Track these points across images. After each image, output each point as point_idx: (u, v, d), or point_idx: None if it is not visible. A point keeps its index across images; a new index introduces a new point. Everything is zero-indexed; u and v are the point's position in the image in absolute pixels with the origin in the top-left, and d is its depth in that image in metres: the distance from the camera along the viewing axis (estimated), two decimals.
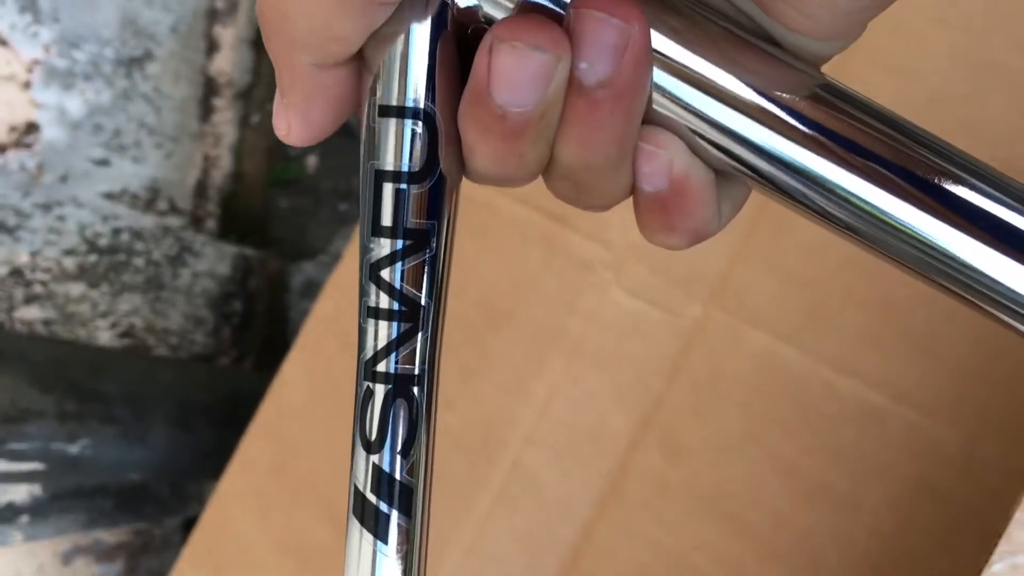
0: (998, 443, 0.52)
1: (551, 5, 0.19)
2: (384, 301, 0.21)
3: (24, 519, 0.77)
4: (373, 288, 0.21)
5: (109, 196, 0.92)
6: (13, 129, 0.82)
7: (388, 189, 0.20)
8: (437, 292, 0.21)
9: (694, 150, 0.20)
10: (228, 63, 1.05)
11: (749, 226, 0.58)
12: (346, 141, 1.08)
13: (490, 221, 0.63)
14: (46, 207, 0.79)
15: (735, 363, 0.57)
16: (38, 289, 0.79)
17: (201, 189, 1.04)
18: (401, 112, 0.20)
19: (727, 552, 0.56)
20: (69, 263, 0.81)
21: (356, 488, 0.21)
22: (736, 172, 0.20)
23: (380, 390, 0.21)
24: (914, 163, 0.18)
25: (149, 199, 0.97)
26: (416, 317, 0.21)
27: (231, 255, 1.00)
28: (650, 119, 0.20)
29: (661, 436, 0.58)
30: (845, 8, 0.18)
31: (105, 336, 0.85)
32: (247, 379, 1.00)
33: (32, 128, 0.83)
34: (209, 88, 1.04)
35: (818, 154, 0.19)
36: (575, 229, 0.61)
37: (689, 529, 0.56)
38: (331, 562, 0.64)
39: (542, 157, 0.20)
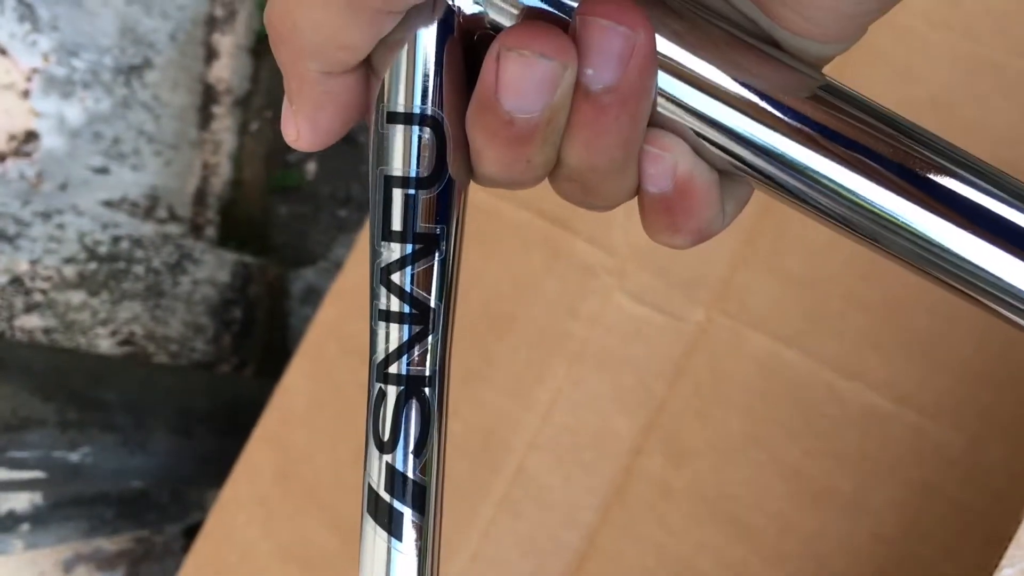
0: (1002, 446, 0.52)
1: (556, 11, 0.19)
2: (395, 304, 0.21)
3: (25, 527, 0.77)
4: (384, 291, 0.21)
5: (109, 204, 0.92)
6: (12, 138, 0.82)
7: (397, 194, 0.20)
8: (447, 294, 0.21)
9: (698, 152, 0.20)
10: (227, 71, 1.05)
11: (750, 230, 0.58)
12: (345, 147, 1.08)
13: (492, 226, 0.63)
14: (46, 215, 0.79)
15: (737, 366, 0.57)
16: (38, 297, 0.78)
17: (200, 196, 1.04)
18: (409, 118, 0.20)
19: (731, 555, 0.56)
20: (69, 271, 0.81)
21: (370, 487, 0.22)
22: (740, 172, 0.20)
23: (392, 391, 0.21)
24: (914, 161, 0.18)
25: (149, 207, 0.97)
26: (427, 319, 0.21)
27: (231, 262, 1.00)
28: (654, 122, 0.20)
29: (664, 440, 0.58)
30: (848, 12, 0.19)
31: (105, 344, 0.85)
32: (248, 386, 1.00)
33: (31, 136, 0.83)
34: (208, 96, 1.04)
35: (821, 154, 0.19)
36: (577, 234, 0.61)
37: (693, 533, 0.56)
38: (334, 569, 0.64)
39: (549, 161, 0.20)
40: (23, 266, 0.77)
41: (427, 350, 0.21)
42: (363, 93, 0.21)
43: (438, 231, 0.21)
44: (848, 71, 0.53)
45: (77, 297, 0.82)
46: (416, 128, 0.20)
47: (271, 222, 1.11)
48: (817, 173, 0.19)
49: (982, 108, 0.54)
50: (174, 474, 0.85)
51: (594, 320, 0.60)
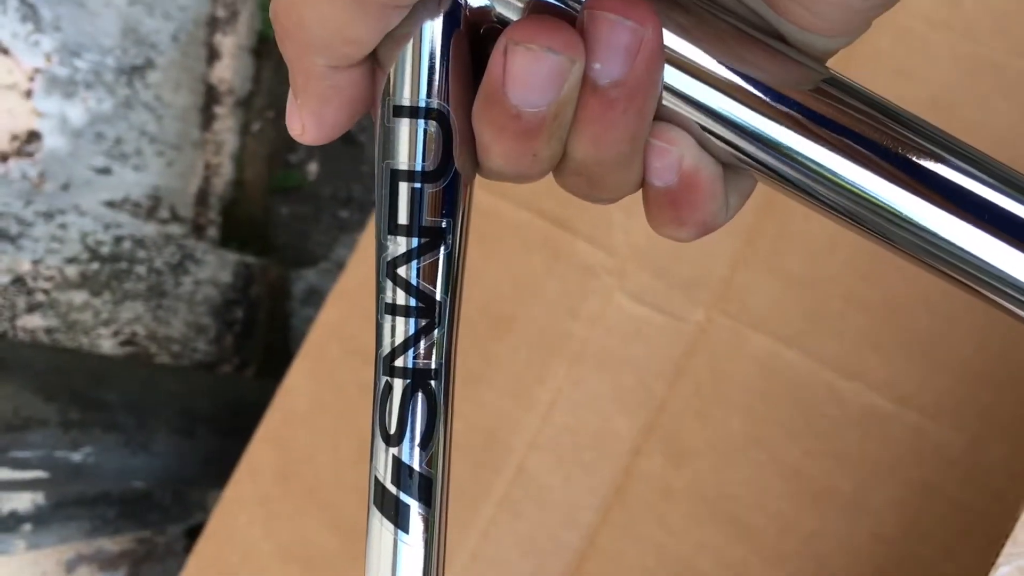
0: (1002, 445, 0.52)
1: (563, 5, 0.19)
2: (401, 297, 0.21)
3: (27, 527, 0.77)
4: (390, 285, 0.21)
5: (111, 204, 0.92)
6: (15, 138, 0.82)
7: (404, 188, 0.21)
8: (453, 287, 0.21)
9: (703, 145, 0.20)
10: (229, 71, 1.05)
11: (751, 230, 0.58)
12: (347, 148, 1.09)
13: (492, 226, 0.63)
14: (48, 215, 0.79)
15: (738, 367, 0.57)
16: (40, 297, 0.79)
17: (202, 197, 1.04)
18: (415, 112, 0.20)
19: (731, 555, 0.56)
20: (71, 271, 0.81)
21: (377, 479, 0.22)
22: (745, 166, 0.20)
23: (398, 384, 0.21)
24: (917, 153, 0.19)
25: (151, 207, 0.97)
26: (433, 313, 0.21)
27: (232, 263, 1.00)
28: (660, 115, 0.20)
29: (664, 440, 0.58)
30: (857, 7, 0.19)
31: (107, 344, 0.85)
32: (249, 387, 1.00)
33: (34, 137, 0.83)
34: (210, 96, 1.04)
35: (826, 147, 0.19)
36: (577, 234, 0.61)
37: (693, 533, 0.56)
38: (336, 569, 0.64)
39: (555, 154, 0.20)
40: (25, 266, 0.77)
41: (433, 343, 0.21)
42: (368, 87, 0.21)
43: (444, 224, 0.21)
44: (849, 71, 0.53)
45: (79, 297, 0.82)
46: (422, 122, 0.20)
47: (273, 222, 1.11)
48: (822, 166, 0.19)
49: (982, 108, 0.54)
50: (176, 474, 0.85)
51: (594, 320, 0.60)
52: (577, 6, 0.19)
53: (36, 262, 0.78)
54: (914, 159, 0.18)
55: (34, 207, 0.78)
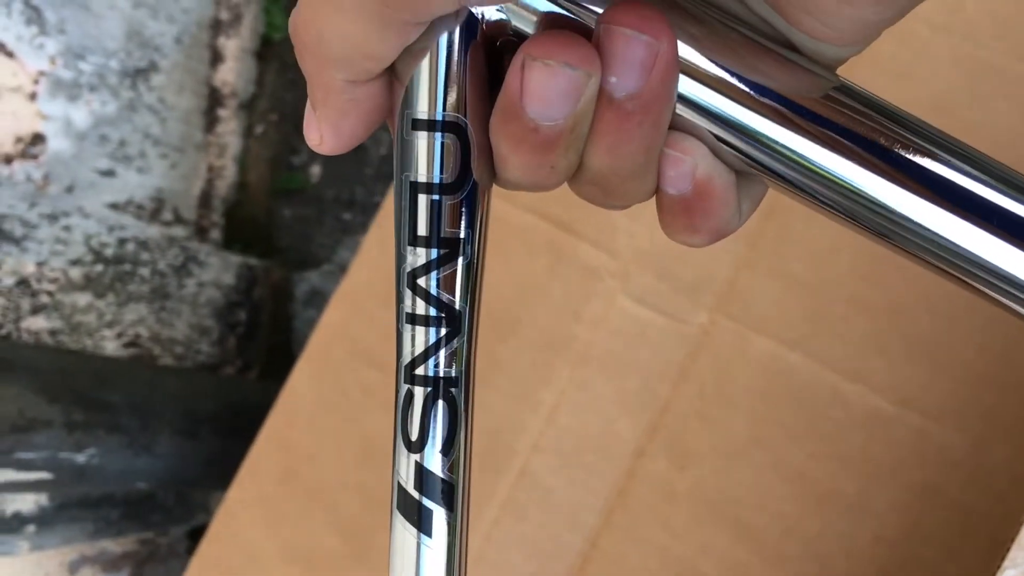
0: (1005, 447, 0.52)
1: (578, 19, 0.20)
2: (421, 307, 0.21)
3: (31, 529, 0.77)
4: (410, 295, 0.21)
5: (114, 206, 0.92)
6: (19, 140, 0.82)
7: (423, 200, 0.21)
8: (472, 297, 0.22)
9: (716, 153, 0.21)
10: (232, 74, 1.05)
11: (754, 233, 0.58)
12: (350, 152, 1.09)
13: (496, 230, 0.63)
14: (52, 217, 0.79)
15: (741, 369, 0.57)
16: (45, 299, 0.79)
17: (205, 199, 1.05)
18: (433, 125, 0.20)
19: (734, 557, 0.56)
20: (75, 273, 0.81)
21: (399, 485, 0.22)
22: (758, 173, 0.21)
23: (420, 392, 0.22)
24: (927, 160, 0.19)
25: (154, 209, 0.97)
26: (452, 322, 0.22)
27: (236, 265, 1.00)
28: (674, 125, 0.20)
29: (668, 442, 0.58)
30: (869, 19, 0.19)
31: (111, 346, 0.86)
32: (252, 388, 1.00)
33: (38, 139, 0.84)
34: (213, 99, 1.04)
35: (838, 153, 0.19)
36: (582, 237, 0.61)
37: (696, 535, 0.57)
38: (338, 570, 0.64)
39: (572, 165, 0.21)
40: (30, 268, 0.78)
41: (453, 352, 0.22)
42: (386, 99, 0.21)
43: (463, 235, 0.21)
44: (850, 74, 0.53)
45: (83, 299, 0.82)
46: (440, 134, 0.20)
47: (276, 225, 1.11)
48: (833, 172, 0.19)
49: (983, 111, 0.55)
50: (179, 476, 0.85)
51: (598, 323, 0.60)
52: (592, 19, 0.19)
53: (40, 264, 0.78)
54: (924, 165, 0.19)
55: (38, 209, 0.79)
